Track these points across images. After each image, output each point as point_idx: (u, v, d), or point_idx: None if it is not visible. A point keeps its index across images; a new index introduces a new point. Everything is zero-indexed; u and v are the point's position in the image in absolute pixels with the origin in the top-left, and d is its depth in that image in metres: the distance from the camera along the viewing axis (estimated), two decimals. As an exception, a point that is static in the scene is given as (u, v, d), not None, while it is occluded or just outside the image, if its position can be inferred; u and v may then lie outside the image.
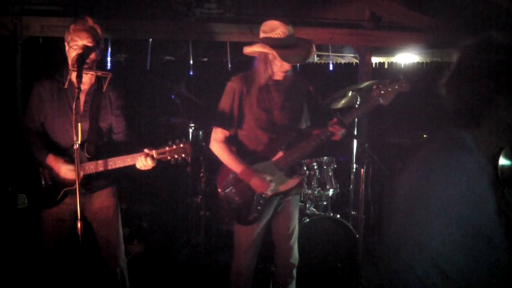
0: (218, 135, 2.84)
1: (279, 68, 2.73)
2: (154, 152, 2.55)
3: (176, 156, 2.54)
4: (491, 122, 1.37)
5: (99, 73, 2.65)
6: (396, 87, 2.77)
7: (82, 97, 2.68)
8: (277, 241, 3.01)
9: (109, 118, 2.76)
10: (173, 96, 4.27)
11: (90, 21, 2.61)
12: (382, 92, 2.76)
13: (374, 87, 2.78)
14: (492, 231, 1.27)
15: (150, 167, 2.57)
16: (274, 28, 2.70)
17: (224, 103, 2.81)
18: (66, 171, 2.61)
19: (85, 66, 2.51)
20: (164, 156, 2.55)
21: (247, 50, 2.81)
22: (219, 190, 2.86)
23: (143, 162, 2.54)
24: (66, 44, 2.65)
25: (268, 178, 2.77)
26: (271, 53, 2.68)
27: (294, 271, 3.01)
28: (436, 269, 1.32)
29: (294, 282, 3.02)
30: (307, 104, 3.01)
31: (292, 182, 2.86)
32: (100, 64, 2.75)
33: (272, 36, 2.70)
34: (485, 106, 1.36)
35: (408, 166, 1.53)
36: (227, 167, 2.83)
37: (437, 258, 1.33)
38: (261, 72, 2.77)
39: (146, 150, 2.54)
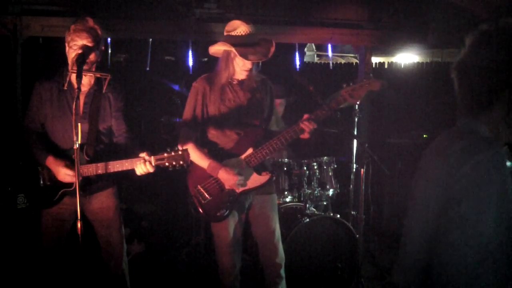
0: (186, 134, 2.88)
1: (241, 67, 2.79)
2: (152, 159, 2.56)
3: (174, 163, 2.55)
4: (503, 111, 1.39)
5: (98, 75, 2.65)
6: (366, 85, 2.79)
7: (82, 99, 2.68)
8: (260, 243, 3.03)
9: (108, 120, 2.75)
10: (173, 97, 4.26)
11: (90, 22, 2.61)
12: (352, 90, 2.79)
13: (344, 85, 2.81)
14: None
15: (148, 172, 2.58)
16: (236, 27, 2.77)
17: (189, 104, 2.89)
18: (64, 175, 2.61)
19: (85, 67, 2.50)
20: (162, 163, 2.56)
21: (211, 50, 2.89)
22: (190, 187, 2.89)
23: (142, 168, 2.55)
24: (66, 44, 2.65)
25: (236, 171, 2.79)
26: (231, 50, 2.74)
27: (282, 271, 3.02)
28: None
29: (283, 282, 3.02)
30: (271, 107, 3.04)
31: (262, 179, 2.88)
32: (100, 65, 2.75)
33: (233, 34, 2.77)
34: (497, 96, 1.37)
35: (424, 167, 1.53)
36: (197, 165, 2.85)
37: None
38: (221, 70, 2.84)
39: (144, 156, 2.55)
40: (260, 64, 2.90)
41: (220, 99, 2.85)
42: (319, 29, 4.74)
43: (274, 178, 3.12)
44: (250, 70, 2.82)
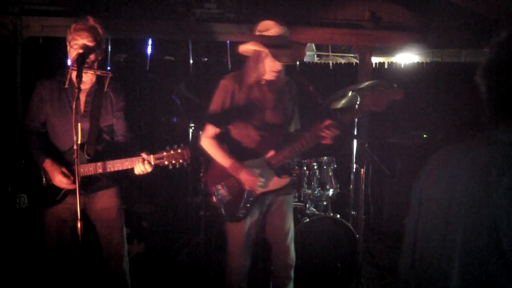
0: (208, 131, 2.86)
1: (271, 67, 2.75)
2: (151, 158, 2.55)
3: (173, 162, 2.54)
4: None
5: (99, 72, 2.64)
6: (390, 95, 2.75)
7: (83, 97, 2.68)
8: (273, 242, 3.01)
9: (109, 118, 2.75)
10: (173, 96, 4.27)
11: (91, 21, 2.61)
12: (375, 100, 2.75)
13: (369, 93, 2.77)
14: None
15: (147, 172, 2.57)
16: (269, 27, 2.73)
17: (216, 101, 2.83)
18: (59, 183, 2.60)
19: (85, 66, 2.50)
20: (162, 161, 2.55)
21: (241, 48, 2.84)
22: (210, 185, 2.88)
23: (141, 167, 2.54)
24: (67, 43, 2.65)
25: (258, 173, 2.78)
26: (263, 50, 2.70)
27: (292, 272, 3.01)
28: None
29: (292, 283, 3.02)
30: (298, 107, 3.02)
31: (282, 182, 2.87)
32: (101, 64, 2.74)
33: (266, 34, 2.73)
34: None
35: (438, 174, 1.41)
36: (218, 163, 2.84)
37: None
38: (251, 70, 2.79)
39: (144, 155, 2.54)
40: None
41: (247, 98, 2.81)
42: (319, 29, 4.75)
43: (294, 179, 3.11)
44: (279, 72, 2.77)
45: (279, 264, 3.00)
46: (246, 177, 2.75)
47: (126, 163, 2.59)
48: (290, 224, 3.00)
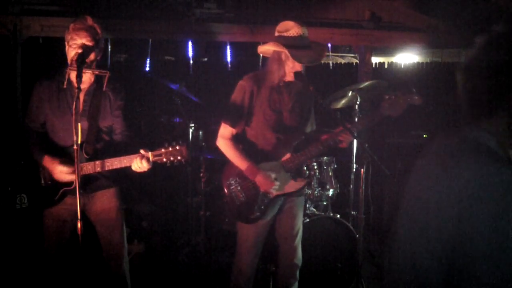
0: (225, 131, 2.85)
1: (291, 68, 2.73)
2: (149, 154, 2.54)
3: (172, 159, 2.54)
4: (506, 117, 1.27)
5: (97, 72, 2.64)
6: (408, 99, 2.74)
7: (82, 97, 2.68)
8: (281, 241, 3.00)
9: (108, 118, 2.75)
10: (173, 97, 4.27)
11: (89, 20, 2.61)
12: (393, 103, 2.73)
13: (387, 97, 2.74)
14: None
15: (145, 169, 2.55)
16: (289, 28, 2.70)
17: (234, 101, 2.81)
18: (59, 173, 2.60)
19: (84, 65, 2.50)
20: (160, 158, 2.54)
21: (261, 49, 2.83)
22: (224, 187, 2.87)
23: (138, 164, 2.53)
24: (66, 43, 2.65)
25: (274, 177, 2.77)
26: (283, 51, 2.68)
27: (297, 272, 3.01)
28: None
29: (296, 284, 3.01)
30: (310, 110, 3.01)
31: (297, 185, 2.86)
32: (100, 64, 2.75)
33: (286, 35, 2.69)
34: (500, 101, 1.26)
35: (418, 167, 1.43)
36: (233, 164, 2.83)
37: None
38: (274, 72, 2.76)
39: (141, 152, 2.54)
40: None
41: (266, 100, 2.79)
42: (319, 29, 4.75)
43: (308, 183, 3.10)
44: (297, 73, 2.75)
45: (286, 263, 2.99)
46: (261, 181, 2.75)
47: (125, 160, 2.58)
48: (300, 225, 3.00)
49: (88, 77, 2.66)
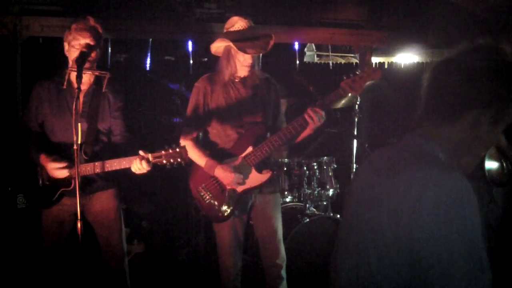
0: (185, 133, 2.89)
1: (242, 62, 2.76)
2: (149, 156, 2.54)
3: (172, 161, 2.54)
4: (465, 133, 1.25)
5: (97, 73, 2.64)
6: (365, 76, 2.71)
7: (81, 97, 2.68)
8: (261, 243, 3.01)
9: (107, 119, 2.75)
10: (173, 97, 4.27)
11: (91, 20, 2.62)
12: (352, 82, 2.70)
13: (344, 77, 2.72)
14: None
15: (145, 171, 2.55)
16: (234, 23, 2.78)
17: (190, 103, 2.89)
18: (53, 170, 2.59)
19: (87, 66, 2.51)
20: (160, 160, 2.55)
21: (213, 49, 2.90)
22: (191, 188, 2.89)
23: (137, 165, 2.53)
24: (66, 44, 2.65)
25: (234, 169, 2.77)
26: (229, 45, 2.74)
27: (283, 272, 2.99)
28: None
29: (284, 283, 3.00)
30: (275, 105, 2.99)
31: (263, 177, 2.84)
32: (99, 65, 2.75)
33: (232, 29, 2.78)
34: (464, 111, 1.24)
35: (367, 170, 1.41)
36: (198, 165, 2.86)
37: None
38: (223, 68, 2.82)
39: (141, 153, 2.54)
40: (260, 62, 2.88)
41: (222, 97, 2.84)
42: (319, 29, 4.75)
43: (275, 175, 3.09)
44: (252, 66, 2.79)
45: (268, 264, 3.00)
46: (221, 174, 2.77)
47: (124, 162, 2.59)
48: (278, 225, 2.98)
49: (88, 78, 2.66)
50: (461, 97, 1.24)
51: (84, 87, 2.67)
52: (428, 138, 1.28)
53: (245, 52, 2.70)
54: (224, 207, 2.82)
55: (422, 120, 1.31)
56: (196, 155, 2.84)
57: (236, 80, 2.86)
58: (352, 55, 7.66)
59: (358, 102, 3.64)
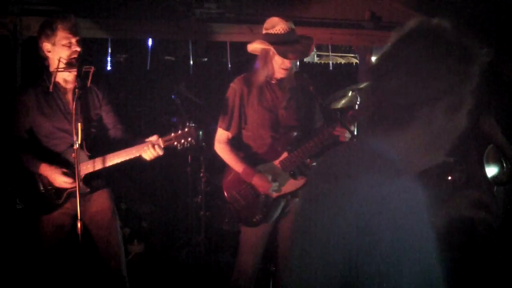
0: (220, 136, 2.85)
1: (280, 65, 2.70)
2: (160, 141, 2.57)
3: (182, 141, 2.56)
4: (420, 131, 1.13)
5: (84, 68, 2.61)
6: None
7: (70, 97, 2.66)
8: (282, 243, 2.97)
9: (99, 113, 2.75)
10: (173, 96, 4.27)
11: (73, 18, 2.64)
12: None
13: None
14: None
15: (157, 156, 2.57)
16: (275, 25, 2.70)
17: (226, 105, 2.82)
18: (61, 183, 2.59)
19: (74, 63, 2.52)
20: (171, 143, 2.57)
21: (250, 47, 2.82)
22: (225, 192, 2.86)
23: (152, 152, 2.54)
24: (47, 44, 2.61)
25: (271, 178, 2.75)
26: (269, 48, 2.67)
27: None
28: None
29: None
30: (310, 105, 2.95)
31: (297, 183, 2.82)
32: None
33: (272, 32, 2.69)
34: (415, 111, 1.11)
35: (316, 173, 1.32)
36: (231, 168, 2.83)
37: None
38: (260, 69, 2.75)
39: (152, 140, 2.55)
40: (298, 63, 2.81)
41: (258, 100, 2.77)
42: (319, 29, 4.74)
43: None
44: (290, 69, 2.73)
45: (285, 264, 2.98)
46: (258, 183, 2.73)
47: (134, 151, 2.58)
48: None
49: (73, 75, 2.63)
50: (405, 98, 1.11)
51: (70, 85, 2.65)
52: (381, 139, 1.17)
53: (286, 57, 2.64)
54: (258, 213, 2.79)
55: (374, 125, 1.19)
56: (232, 161, 2.80)
57: (273, 82, 2.79)
58: (352, 55, 7.67)
59: (358, 102, 3.64)
